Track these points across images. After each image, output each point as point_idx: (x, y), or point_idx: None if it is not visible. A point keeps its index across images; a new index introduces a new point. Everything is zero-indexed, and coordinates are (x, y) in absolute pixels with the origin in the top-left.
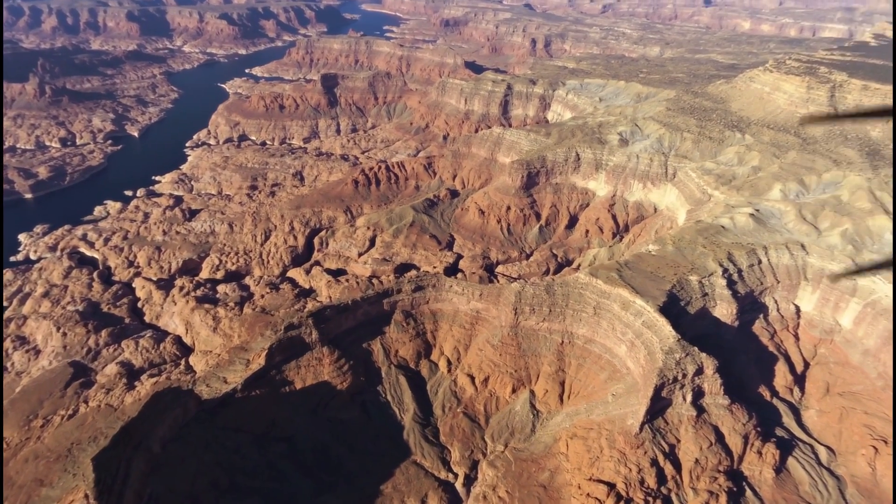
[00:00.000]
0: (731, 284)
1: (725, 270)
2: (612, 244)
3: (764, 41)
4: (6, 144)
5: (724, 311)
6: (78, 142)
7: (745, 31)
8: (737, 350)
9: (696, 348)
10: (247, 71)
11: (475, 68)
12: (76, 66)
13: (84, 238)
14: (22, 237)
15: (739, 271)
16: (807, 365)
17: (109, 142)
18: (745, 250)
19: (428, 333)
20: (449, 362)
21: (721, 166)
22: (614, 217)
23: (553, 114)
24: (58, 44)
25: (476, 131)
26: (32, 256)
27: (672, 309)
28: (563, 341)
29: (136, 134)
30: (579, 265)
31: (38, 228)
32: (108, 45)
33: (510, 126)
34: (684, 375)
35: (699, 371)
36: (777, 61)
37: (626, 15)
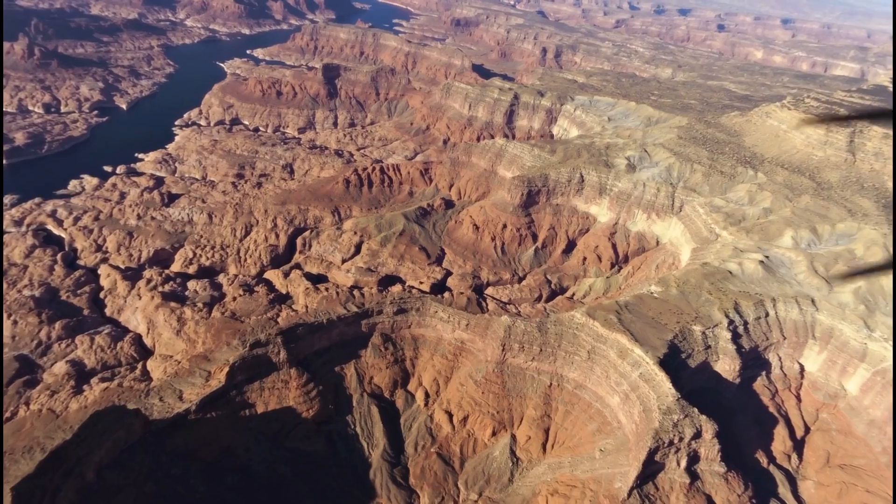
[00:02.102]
0: (735, 338)
1: (731, 322)
2: (609, 275)
3: (777, 73)
4: None
5: (727, 366)
6: (62, 109)
7: (757, 60)
8: (735, 409)
9: (695, 409)
10: (248, 52)
11: (482, 72)
12: (71, 29)
13: (53, 214)
14: None
15: (745, 324)
16: (807, 430)
17: (95, 112)
18: (752, 301)
19: (407, 361)
20: (427, 395)
21: (731, 204)
22: (614, 246)
23: (559, 128)
24: (56, 5)
25: (478, 139)
26: None
27: (672, 361)
28: (551, 384)
29: (124, 106)
30: (573, 294)
31: (7, 199)
32: (108, 10)
33: (513, 137)
34: (681, 439)
35: (697, 435)
36: (795, 99)
37: (639, 32)
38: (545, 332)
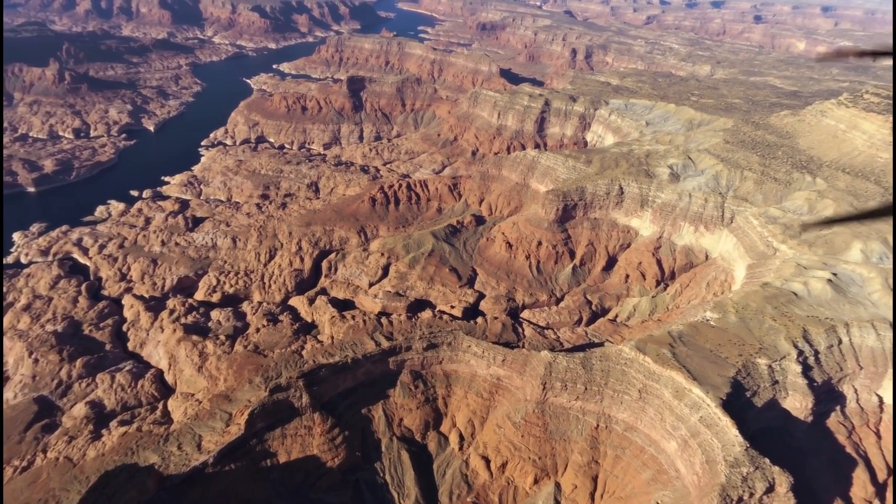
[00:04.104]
0: (806, 371)
1: (800, 353)
2: (655, 293)
3: (825, 66)
4: (19, 132)
5: (797, 403)
6: (92, 133)
7: (799, 52)
8: (808, 451)
9: (766, 460)
10: (274, 66)
11: (510, 77)
12: (102, 52)
13: (79, 243)
14: (16, 236)
15: (816, 354)
16: (890, 472)
17: (123, 136)
18: (823, 327)
19: (439, 399)
20: (461, 437)
21: (788, 214)
22: (659, 262)
23: (593, 135)
24: (89, 27)
25: (508, 149)
26: (24, 260)
27: (736, 401)
28: (598, 425)
29: (151, 128)
30: (616, 316)
31: (35, 227)
32: (138, 31)
33: (545, 145)
34: (751, 494)
35: (770, 489)
36: (853, 94)
37: (672, 28)
38: (590, 369)
